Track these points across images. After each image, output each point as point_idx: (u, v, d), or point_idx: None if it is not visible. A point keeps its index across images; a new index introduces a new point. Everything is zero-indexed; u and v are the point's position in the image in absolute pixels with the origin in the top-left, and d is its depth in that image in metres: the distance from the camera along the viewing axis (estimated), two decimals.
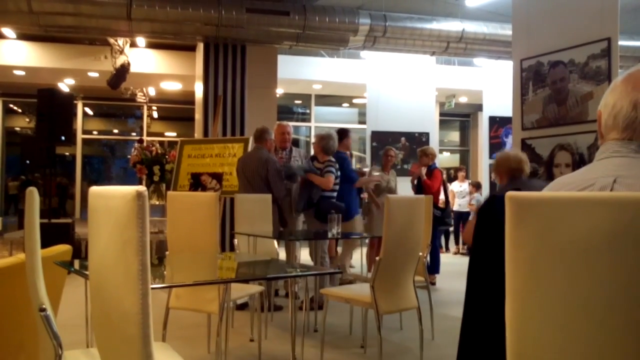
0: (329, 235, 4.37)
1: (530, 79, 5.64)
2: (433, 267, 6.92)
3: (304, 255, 6.16)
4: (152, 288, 1.37)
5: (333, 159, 5.61)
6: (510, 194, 1.16)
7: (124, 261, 1.28)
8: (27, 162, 13.40)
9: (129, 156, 8.81)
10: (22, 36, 9.80)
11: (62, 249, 2.65)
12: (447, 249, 11.00)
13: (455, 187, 10.66)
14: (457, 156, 17.51)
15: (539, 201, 1.12)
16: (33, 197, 1.78)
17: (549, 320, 1.10)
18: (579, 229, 1.06)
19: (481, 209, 2.84)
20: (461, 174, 11.02)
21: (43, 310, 1.75)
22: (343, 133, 6.26)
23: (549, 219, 1.09)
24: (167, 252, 3.65)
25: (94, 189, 1.48)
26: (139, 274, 1.25)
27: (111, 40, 9.42)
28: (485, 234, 2.75)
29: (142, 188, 1.26)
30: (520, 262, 1.14)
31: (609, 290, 1.03)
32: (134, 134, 16.02)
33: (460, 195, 10.60)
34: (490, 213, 2.76)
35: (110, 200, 1.35)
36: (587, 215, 1.05)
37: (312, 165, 5.69)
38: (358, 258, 7.74)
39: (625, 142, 1.38)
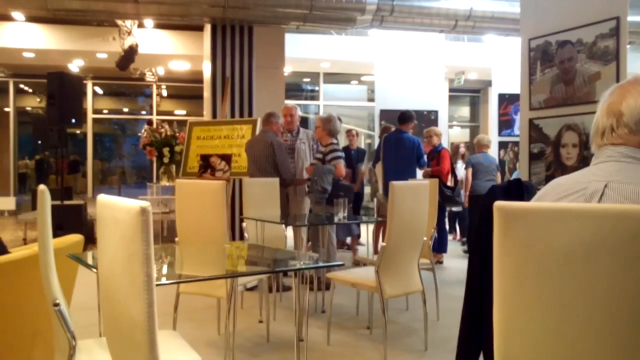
0: (335, 219, 4.43)
1: (538, 58, 5.61)
2: (440, 246, 6.98)
3: None
4: (158, 284, 1.44)
5: (336, 141, 5.63)
6: (498, 204, 1.21)
7: (129, 272, 1.35)
8: (39, 142, 13.55)
9: (139, 134, 8.89)
10: (31, 18, 9.83)
11: (74, 240, 2.74)
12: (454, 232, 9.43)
13: None
14: (467, 131, 17.46)
15: (524, 211, 1.17)
16: (44, 197, 1.85)
17: (533, 324, 1.16)
18: (561, 239, 1.11)
19: (482, 198, 2.90)
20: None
21: (57, 305, 1.83)
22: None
23: (534, 228, 1.15)
24: (176, 239, 3.74)
25: (101, 198, 1.55)
26: (145, 285, 1.32)
27: (119, 22, 9.43)
28: (486, 223, 2.81)
29: (145, 204, 1.32)
30: (507, 268, 1.20)
31: (589, 298, 1.09)
32: (143, 112, 16.10)
33: None
34: (491, 202, 2.82)
35: (117, 212, 1.41)
36: (569, 226, 1.10)
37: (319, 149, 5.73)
38: (364, 236, 7.81)
39: (617, 146, 1.43)
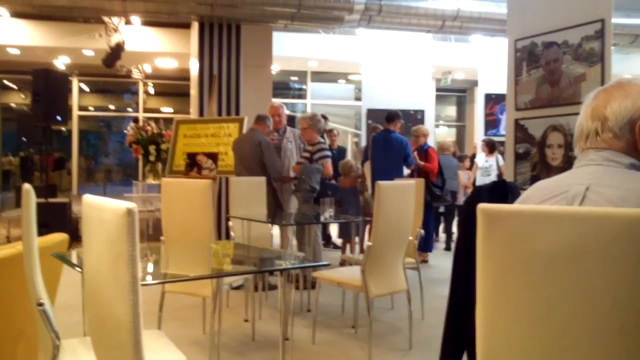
0: (322, 218, 4.44)
1: (525, 59, 5.65)
2: (426, 246, 7.00)
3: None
4: (143, 284, 1.44)
5: (323, 140, 5.64)
6: (481, 206, 1.22)
7: (115, 273, 1.35)
8: (24, 139, 13.40)
9: (125, 131, 8.84)
10: (16, 14, 9.73)
11: (59, 239, 2.71)
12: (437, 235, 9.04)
13: (480, 161, 8.79)
14: (453, 131, 17.56)
15: (507, 214, 1.18)
16: (30, 197, 1.84)
17: (515, 326, 1.17)
18: (543, 242, 1.12)
19: (467, 198, 2.92)
20: (485, 147, 8.80)
21: (41, 305, 1.82)
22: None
23: (517, 231, 1.16)
24: (162, 238, 3.72)
25: (87, 199, 1.54)
26: (130, 286, 1.32)
27: (106, 19, 9.37)
28: (470, 223, 2.83)
29: (132, 205, 1.32)
30: (490, 270, 1.21)
31: (571, 300, 1.10)
32: (130, 109, 16.01)
33: (485, 173, 8.55)
34: (476, 202, 2.85)
35: (103, 213, 1.41)
36: (552, 229, 1.11)
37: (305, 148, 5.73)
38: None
39: (600, 151, 1.44)
